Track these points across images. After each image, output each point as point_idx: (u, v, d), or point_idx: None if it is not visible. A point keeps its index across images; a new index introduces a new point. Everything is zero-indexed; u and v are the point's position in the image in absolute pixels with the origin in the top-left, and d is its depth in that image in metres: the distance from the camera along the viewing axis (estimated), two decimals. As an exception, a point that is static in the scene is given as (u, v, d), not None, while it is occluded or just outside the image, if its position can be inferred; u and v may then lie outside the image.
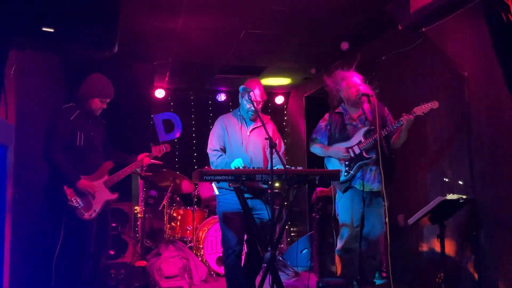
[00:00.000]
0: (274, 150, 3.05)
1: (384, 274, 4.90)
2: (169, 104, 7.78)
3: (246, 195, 3.41)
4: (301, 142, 7.40)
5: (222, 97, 7.91)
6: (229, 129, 3.70)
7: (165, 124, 7.69)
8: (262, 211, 3.60)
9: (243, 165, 3.34)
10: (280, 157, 3.20)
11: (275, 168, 3.23)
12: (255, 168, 3.28)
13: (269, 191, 3.44)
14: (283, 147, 3.86)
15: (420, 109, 3.63)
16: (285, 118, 8.28)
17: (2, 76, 1.90)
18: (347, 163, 3.89)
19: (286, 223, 3.51)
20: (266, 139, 3.10)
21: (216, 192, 3.68)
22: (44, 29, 1.63)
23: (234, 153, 3.63)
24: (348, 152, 3.86)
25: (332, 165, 4.02)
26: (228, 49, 5.63)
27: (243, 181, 3.14)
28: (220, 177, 3.09)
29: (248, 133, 3.71)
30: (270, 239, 3.46)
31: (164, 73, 6.71)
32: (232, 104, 8.06)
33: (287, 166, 3.25)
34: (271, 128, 3.77)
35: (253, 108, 3.51)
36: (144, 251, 5.25)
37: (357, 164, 3.85)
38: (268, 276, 3.15)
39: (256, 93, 3.61)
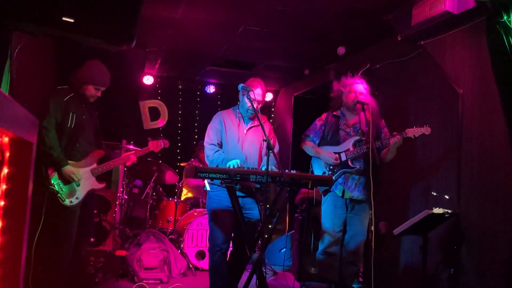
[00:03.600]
0: (271, 152, 3.05)
1: (361, 280, 4.97)
2: (156, 92, 7.68)
3: (238, 193, 3.40)
4: (287, 140, 7.41)
5: (211, 89, 7.85)
6: (227, 125, 3.68)
7: (151, 112, 7.59)
8: (251, 211, 3.59)
9: (240, 166, 3.33)
10: (277, 160, 3.19)
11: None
12: (250, 168, 3.27)
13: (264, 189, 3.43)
14: (277, 147, 3.86)
15: (412, 132, 3.67)
16: (272, 115, 8.28)
17: (11, 57, 1.83)
18: (331, 167, 3.92)
19: (276, 224, 3.50)
20: (264, 140, 3.10)
21: (208, 188, 3.65)
22: (64, 18, 1.57)
23: (230, 150, 3.61)
24: (337, 160, 3.89)
25: (318, 166, 4.05)
26: (224, 43, 5.58)
27: (237, 181, 3.12)
28: (215, 175, 3.07)
29: (245, 131, 3.70)
30: (257, 240, 3.47)
31: (155, 60, 6.60)
32: (221, 97, 8.02)
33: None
34: (267, 128, 3.76)
35: (252, 107, 3.49)
36: (124, 239, 5.20)
37: (341, 171, 3.88)
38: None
39: (258, 93, 3.60)
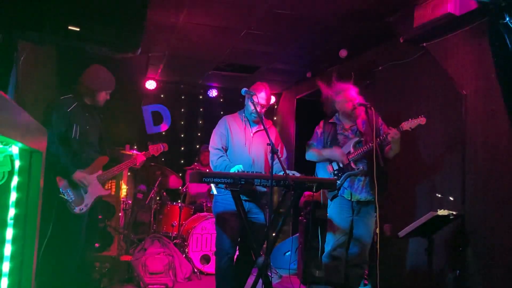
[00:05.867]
0: (275, 155, 3.05)
1: (366, 282, 4.96)
2: (159, 96, 7.70)
3: (243, 198, 3.40)
4: (290, 143, 7.41)
5: (213, 93, 7.86)
6: (233, 129, 3.68)
7: (153, 116, 7.62)
8: (257, 215, 3.59)
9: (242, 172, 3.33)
10: (281, 163, 3.19)
11: (276, 173, 3.23)
12: (255, 172, 3.27)
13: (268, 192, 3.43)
14: (285, 153, 3.85)
15: (408, 124, 3.65)
16: (275, 118, 8.28)
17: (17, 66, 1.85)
18: (335, 172, 3.91)
19: (282, 228, 3.50)
20: (268, 144, 3.09)
21: (215, 191, 3.65)
22: (70, 27, 1.58)
23: (237, 154, 3.61)
24: (343, 156, 3.85)
25: (322, 172, 4.04)
26: (226, 47, 5.60)
27: (242, 185, 3.12)
28: (219, 180, 3.07)
29: (251, 135, 3.70)
30: (262, 244, 3.47)
31: (157, 65, 6.62)
32: (223, 100, 8.03)
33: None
34: (273, 133, 3.76)
35: (256, 111, 3.48)
36: (129, 244, 5.21)
37: (345, 174, 3.87)
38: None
39: (262, 96, 3.60)
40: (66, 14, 1.60)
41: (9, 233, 1.22)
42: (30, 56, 2.55)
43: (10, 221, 1.21)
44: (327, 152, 3.93)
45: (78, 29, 1.61)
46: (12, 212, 1.23)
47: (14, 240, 1.22)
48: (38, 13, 1.55)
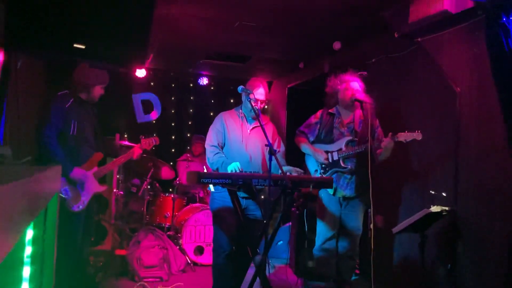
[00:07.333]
0: (273, 156, 3.05)
1: (357, 271, 5.05)
2: (149, 84, 7.60)
3: (241, 195, 3.41)
4: (281, 132, 7.39)
5: (204, 81, 7.78)
6: (230, 126, 3.66)
7: (143, 105, 7.52)
8: (255, 212, 3.61)
9: (239, 169, 3.33)
10: (278, 163, 3.20)
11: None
12: (252, 172, 3.27)
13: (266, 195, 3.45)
14: (282, 147, 3.87)
15: (404, 136, 3.67)
16: (266, 107, 8.25)
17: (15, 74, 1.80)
18: (323, 165, 3.96)
19: (279, 226, 3.53)
20: (266, 145, 3.09)
21: (212, 189, 3.66)
22: (75, 45, 1.55)
23: (233, 151, 3.61)
24: (326, 160, 3.92)
25: (311, 164, 4.09)
26: (218, 38, 5.53)
27: (240, 185, 3.13)
28: (217, 180, 3.07)
29: (248, 131, 3.69)
30: (260, 241, 3.50)
31: (148, 54, 6.50)
32: (214, 89, 7.97)
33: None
34: (271, 129, 3.76)
35: (254, 108, 3.47)
36: (124, 237, 5.21)
37: (332, 170, 3.91)
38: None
39: (260, 92, 3.61)
40: (71, 33, 1.56)
41: (26, 271, 1.21)
42: (24, 61, 2.49)
43: (26, 260, 1.20)
44: (313, 152, 4.01)
45: (83, 47, 1.59)
46: (28, 250, 1.22)
47: (32, 279, 1.21)
48: (43, 33, 1.51)
